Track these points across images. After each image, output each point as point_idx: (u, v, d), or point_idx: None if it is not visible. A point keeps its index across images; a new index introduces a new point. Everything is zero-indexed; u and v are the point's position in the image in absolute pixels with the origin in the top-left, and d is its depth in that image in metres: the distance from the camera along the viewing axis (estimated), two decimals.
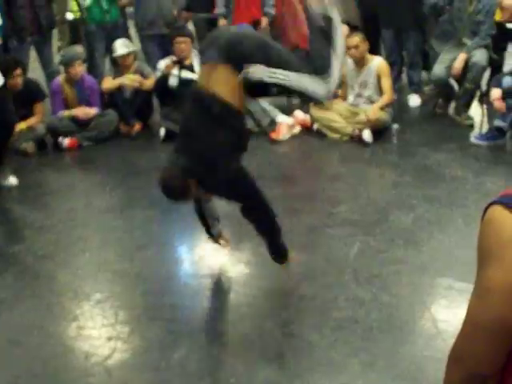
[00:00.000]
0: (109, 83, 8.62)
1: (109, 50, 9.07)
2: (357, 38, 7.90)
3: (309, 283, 4.94)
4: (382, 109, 7.89)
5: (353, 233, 5.68)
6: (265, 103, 8.29)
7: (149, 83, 8.58)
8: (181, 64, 8.33)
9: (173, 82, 8.30)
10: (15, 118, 7.02)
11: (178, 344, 4.31)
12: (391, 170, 6.98)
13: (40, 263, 5.53)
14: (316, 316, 4.53)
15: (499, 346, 1.53)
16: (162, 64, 8.42)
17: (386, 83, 7.99)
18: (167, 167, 4.58)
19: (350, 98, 8.23)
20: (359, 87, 8.13)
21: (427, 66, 9.18)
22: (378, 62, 8.09)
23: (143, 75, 8.65)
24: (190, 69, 8.37)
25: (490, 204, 1.54)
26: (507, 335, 1.52)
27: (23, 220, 6.33)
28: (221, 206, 6.24)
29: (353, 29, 8.02)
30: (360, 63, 8.05)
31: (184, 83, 8.32)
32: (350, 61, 8.17)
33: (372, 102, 8.05)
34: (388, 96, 7.97)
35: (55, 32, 9.82)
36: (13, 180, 7.01)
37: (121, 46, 8.60)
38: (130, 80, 8.50)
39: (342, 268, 5.12)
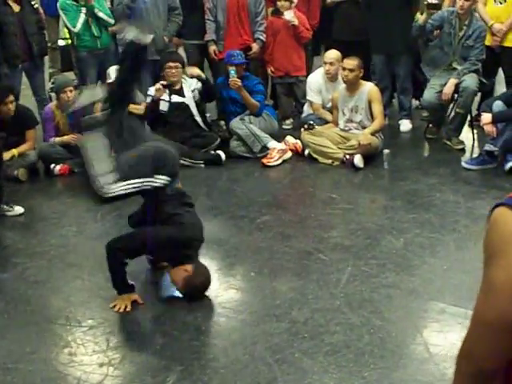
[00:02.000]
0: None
1: (101, 76, 9.09)
2: (354, 62, 7.95)
3: (301, 308, 4.94)
4: (373, 134, 7.93)
5: (344, 258, 5.69)
6: (256, 129, 8.32)
7: (140, 109, 8.60)
8: (170, 89, 8.37)
9: (163, 106, 8.34)
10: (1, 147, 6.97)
11: (169, 370, 4.30)
12: (382, 195, 7.01)
13: (32, 289, 5.51)
14: (308, 341, 4.52)
15: (505, 342, 1.56)
16: (153, 90, 8.45)
17: (377, 108, 8.04)
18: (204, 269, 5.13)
19: (341, 123, 8.26)
20: (350, 112, 8.17)
21: (418, 93, 9.23)
22: (369, 88, 8.14)
23: (134, 102, 8.67)
24: (180, 93, 8.41)
25: (496, 206, 1.57)
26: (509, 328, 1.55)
27: (15, 246, 6.31)
28: (214, 232, 6.27)
29: (349, 54, 8.10)
30: (351, 88, 8.10)
31: (175, 107, 8.37)
32: (341, 86, 8.23)
33: (363, 127, 8.09)
34: (379, 121, 8.01)
35: (47, 59, 9.83)
36: (19, 209, 6.98)
37: (114, 73, 8.63)
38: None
39: (333, 293, 5.12)
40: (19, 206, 7.01)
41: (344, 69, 8.06)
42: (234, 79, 8.43)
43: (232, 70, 8.44)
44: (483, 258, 1.60)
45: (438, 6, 8.27)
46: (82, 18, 8.93)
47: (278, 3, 9.11)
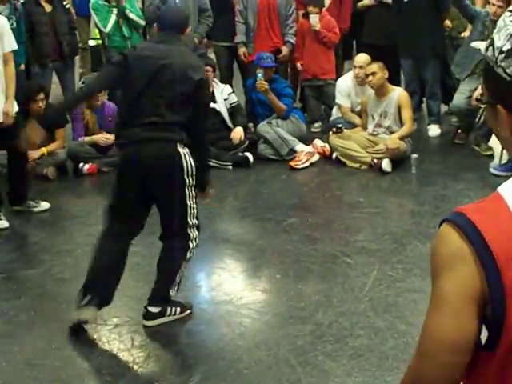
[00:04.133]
0: None
1: None
2: (374, 66, 7.95)
3: (325, 311, 4.94)
4: (401, 139, 7.91)
5: (370, 261, 5.68)
6: (283, 132, 8.33)
7: None
8: None
9: None
10: (27, 145, 7.01)
11: (193, 370, 4.32)
12: (410, 200, 6.99)
13: (58, 287, 5.56)
14: (332, 344, 4.52)
15: (456, 365, 1.55)
16: None
17: (407, 114, 8.02)
18: None
19: (370, 127, 8.25)
20: (379, 117, 8.15)
21: (447, 98, 9.19)
22: (398, 93, 8.12)
23: None
24: (211, 98, 8.43)
25: (441, 222, 1.59)
26: (463, 345, 1.54)
27: (42, 244, 6.36)
28: (240, 233, 6.31)
29: (374, 58, 8.09)
30: (380, 93, 8.08)
31: None
32: (371, 91, 8.21)
33: (391, 132, 8.07)
34: (408, 127, 7.99)
35: (77, 59, 9.90)
36: (45, 204, 7.04)
37: None
38: None
39: (358, 296, 5.12)
40: (46, 202, 7.06)
41: (367, 75, 8.05)
42: (261, 82, 8.45)
43: (259, 73, 8.45)
44: (431, 275, 1.60)
45: None
46: (113, 18, 8.96)
47: (308, 7, 9.12)
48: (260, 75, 8.46)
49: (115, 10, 8.89)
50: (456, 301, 1.53)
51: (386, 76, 8.05)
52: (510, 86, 1.49)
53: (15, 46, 6.60)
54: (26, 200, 7.00)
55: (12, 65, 6.57)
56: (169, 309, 4.86)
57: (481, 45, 7.39)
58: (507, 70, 1.49)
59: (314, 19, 9.04)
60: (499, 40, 1.51)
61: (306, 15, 9.24)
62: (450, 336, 1.54)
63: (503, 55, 1.49)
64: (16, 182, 6.96)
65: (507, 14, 1.53)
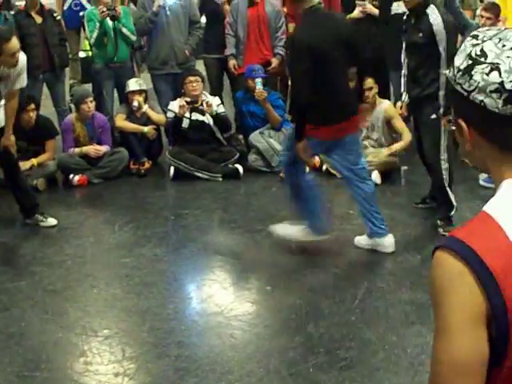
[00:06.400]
0: (124, 124, 8.70)
1: (119, 88, 9.14)
2: (370, 80, 7.94)
3: (316, 322, 4.95)
4: (402, 149, 7.94)
5: (361, 273, 5.71)
6: (275, 143, 8.34)
7: (159, 120, 8.68)
8: (192, 106, 8.42)
9: (184, 123, 8.39)
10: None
11: (184, 381, 4.32)
12: (400, 212, 6.99)
13: (49, 298, 5.56)
14: (323, 356, 4.53)
15: (473, 380, 1.55)
16: (175, 105, 8.50)
17: (400, 124, 8.01)
18: None
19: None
20: (367, 130, 8.17)
21: None
22: (385, 106, 8.13)
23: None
24: (201, 111, 8.45)
25: (435, 249, 1.62)
26: (477, 366, 1.54)
27: (32, 255, 6.35)
28: (230, 245, 6.32)
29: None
30: (372, 106, 8.10)
31: (194, 125, 8.42)
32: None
33: (380, 144, 8.10)
34: (407, 137, 7.96)
35: (67, 70, 9.89)
36: (52, 220, 7.04)
37: (133, 83, 8.70)
38: (147, 130, 8.60)
39: (349, 308, 5.13)
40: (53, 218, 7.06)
41: (364, 90, 8.03)
42: (260, 90, 8.49)
43: (258, 82, 8.49)
44: (433, 301, 1.61)
45: None
46: (97, 31, 8.93)
47: None
48: (259, 84, 8.50)
49: (110, 22, 8.85)
50: (462, 323, 1.53)
51: (377, 90, 8.07)
52: (468, 101, 1.62)
53: (25, 84, 6.65)
54: (34, 213, 7.00)
55: (16, 100, 6.64)
56: None
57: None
58: (464, 86, 1.63)
59: None
60: (458, 60, 1.66)
61: None
62: (462, 360, 1.54)
63: (460, 73, 1.64)
64: (18, 195, 6.98)
65: (468, 38, 1.68)
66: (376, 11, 9.09)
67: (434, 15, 6.21)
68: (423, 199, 7.13)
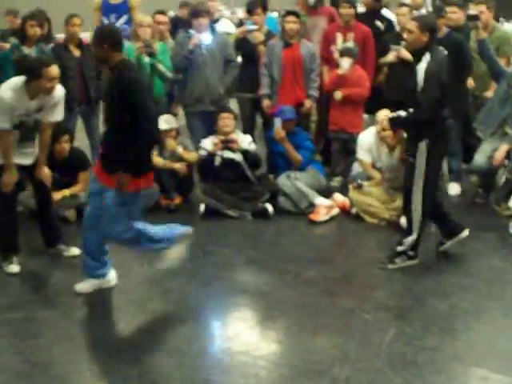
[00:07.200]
0: (155, 160, 8.74)
1: None
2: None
3: (342, 366, 4.92)
4: None
5: (388, 318, 5.67)
6: (302, 186, 8.35)
7: (191, 158, 8.72)
8: (225, 144, 8.47)
9: (216, 161, 8.44)
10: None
11: None
12: (428, 257, 6.95)
13: (75, 328, 5.58)
14: None
15: None
16: (207, 142, 8.56)
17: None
18: None
19: (385, 182, 8.25)
20: (389, 172, 8.15)
21: (468, 157, 9.19)
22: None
23: (185, 150, 8.81)
24: (233, 149, 8.50)
25: None
26: None
27: (60, 284, 6.38)
28: (258, 284, 6.32)
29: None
30: (392, 147, 8.09)
31: (226, 163, 8.46)
32: (384, 146, 8.19)
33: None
34: None
35: (102, 104, 9.98)
36: (75, 250, 7.09)
37: (163, 122, 8.76)
38: (178, 167, 8.64)
39: (376, 353, 5.10)
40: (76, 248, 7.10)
41: (383, 129, 8.03)
42: (278, 130, 8.58)
43: (277, 121, 8.59)
44: None
45: (477, 17, 8.20)
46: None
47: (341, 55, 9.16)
48: (278, 123, 8.58)
49: (146, 59, 8.94)
50: None
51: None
52: None
53: (61, 118, 6.76)
54: (57, 243, 7.08)
55: (50, 133, 6.74)
56: None
57: None
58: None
59: (346, 63, 9.05)
60: None
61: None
62: None
63: None
64: (44, 226, 7.07)
65: None
66: (410, 56, 9.11)
67: (424, 63, 6.35)
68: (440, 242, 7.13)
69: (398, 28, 9.77)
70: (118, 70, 5.73)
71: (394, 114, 6.77)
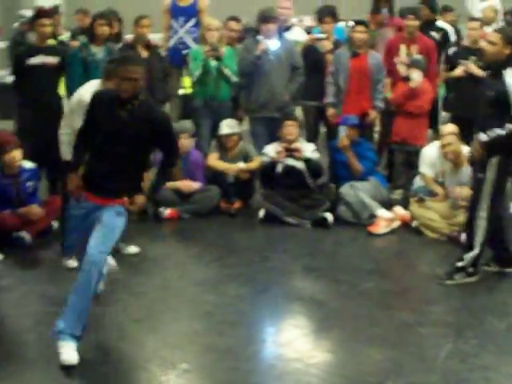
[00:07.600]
0: (215, 163, 8.81)
1: (216, 126, 9.20)
2: (449, 137, 7.85)
3: (395, 379, 4.87)
4: None
5: (444, 333, 5.60)
6: (365, 196, 8.30)
7: (253, 165, 8.73)
8: (288, 153, 8.48)
9: (278, 168, 8.45)
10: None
11: None
12: (488, 275, 6.85)
13: (130, 327, 5.62)
14: None
15: None
16: (270, 149, 8.58)
17: None
18: None
19: (449, 199, 8.16)
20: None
21: None
22: None
23: (247, 156, 8.83)
24: (295, 156, 8.50)
25: None
26: None
27: (118, 283, 6.42)
28: (314, 293, 6.30)
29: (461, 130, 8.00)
30: (456, 164, 7.99)
31: (288, 170, 8.46)
32: (447, 162, 8.10)
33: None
34: None
35: (167, 106, 10.06)
36: (134, 249, 7.18)
37: (226, 126, 8.78)
38: (238, 172, 8.68)
39: (430, 368, 5.04)
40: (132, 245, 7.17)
41: (443, 145, 7.95)
42: (342, 138, 8.58)
43: (342, 130, 8.60)
44: None
45: None
46: (199, 70, 9.08)
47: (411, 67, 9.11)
48: (342, 130, 8.57)
49: (213, 63, 8.99)
50: None
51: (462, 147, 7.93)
52: None
53: None
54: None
55: None
56: None
57: None
58: None
59: (417, 75, 8.98)
60: None
61: (406, 79, 9.18)
62: None
63: None
64: None
65: None
66: (479, 72, 9.01)
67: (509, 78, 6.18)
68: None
69: (467, 42, 9.67)
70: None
71: (491, 135, 6.25)
